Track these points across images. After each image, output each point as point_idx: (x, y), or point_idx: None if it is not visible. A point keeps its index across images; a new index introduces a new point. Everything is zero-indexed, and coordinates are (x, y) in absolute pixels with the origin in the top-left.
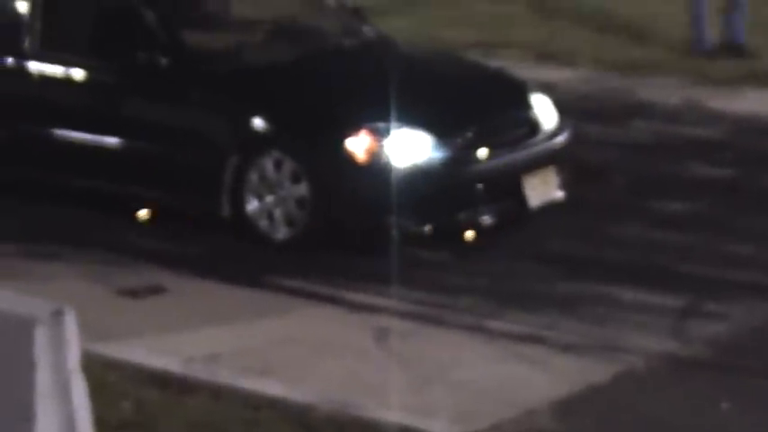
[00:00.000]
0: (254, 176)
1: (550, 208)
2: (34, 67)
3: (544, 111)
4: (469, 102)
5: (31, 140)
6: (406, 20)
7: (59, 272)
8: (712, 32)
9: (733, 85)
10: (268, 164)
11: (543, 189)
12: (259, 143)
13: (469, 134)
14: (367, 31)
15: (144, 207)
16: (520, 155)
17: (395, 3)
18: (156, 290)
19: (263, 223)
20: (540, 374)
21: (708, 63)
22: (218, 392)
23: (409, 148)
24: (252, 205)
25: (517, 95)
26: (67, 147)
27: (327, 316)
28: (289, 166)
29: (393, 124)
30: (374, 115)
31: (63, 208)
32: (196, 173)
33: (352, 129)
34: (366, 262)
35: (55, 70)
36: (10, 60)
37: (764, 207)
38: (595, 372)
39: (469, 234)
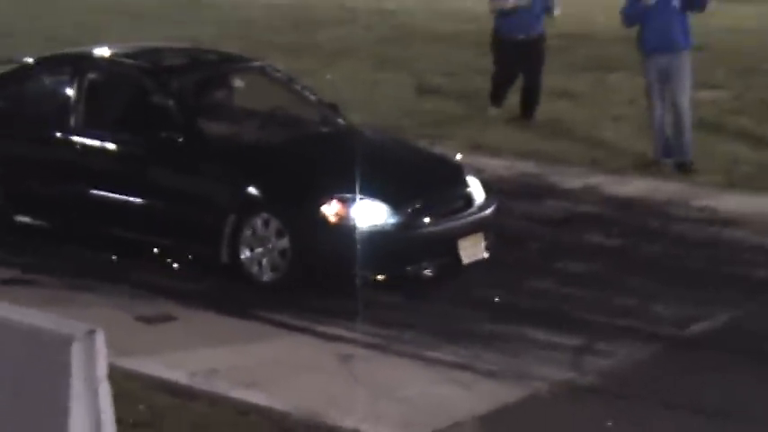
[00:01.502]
0: (247, 232)
1: (478, 265)
2: (77, 140)
3: (476, 189)
4: (418, 179)
5: (74, 198)
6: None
7: (92, 301)
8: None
9: (624, 174)
10: (258, 222)
11: (473, 250)
12: (252, 206)
13: (417, 205)
14: (340, 121)
15: (160, 253)
16: (456, 222)
17: (354, 99)
18: (167, 318)
19: (254, 268)
20: (467, 394)
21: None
22: (215, 400)
23: (369, 214)
24: (245, 254)
25: (455, 175)
26: (102, 204)
27: (303, 343)
28: (274, 224)
29: (357, 195)
30: (343, 187)
31: (97, 251)
32: (202, 227)
33: (326, 197)
34: (334, 301)
35: (93, 143)
36: (59, 134)
37: (645, 269)
38: (509, 394)
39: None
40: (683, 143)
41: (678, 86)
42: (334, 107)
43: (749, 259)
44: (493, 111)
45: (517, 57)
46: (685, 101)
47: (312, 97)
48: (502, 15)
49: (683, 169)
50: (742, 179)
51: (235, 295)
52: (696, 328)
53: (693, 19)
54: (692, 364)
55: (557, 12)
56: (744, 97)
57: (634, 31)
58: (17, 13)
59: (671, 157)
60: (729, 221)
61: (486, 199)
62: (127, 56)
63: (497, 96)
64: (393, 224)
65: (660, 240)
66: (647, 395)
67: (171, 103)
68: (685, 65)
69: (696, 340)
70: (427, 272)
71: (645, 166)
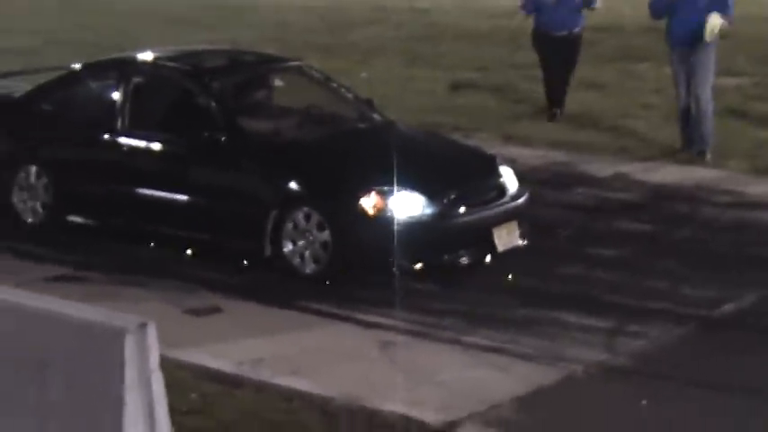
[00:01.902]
0: (289, 226)
1: (513, 252)
2: (124, 141)
3: (509, 178)
4: (452, 171)
5: (121, 197)
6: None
7: (141, 295)
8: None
9: (653, 162)
10: (300, 216)
11: (508, 238)
12: (293, 201)
13: (453, 195)
14: (375, 116)
15: (205, 248)
16: (490, 212)
17: (388, 96)
18: (214, 310)
19: (296, 261)
20: (503, 377)
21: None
22: (260, 387)
23: (407, 205)
24: (287, 247)
25: (489, 166)
26: (148, 202)
27: (344, 331)
28: (315, 218)
29: (395, 187)
30: (381, 180)
31: (145, 247)
32: (245, 223)
33: (364, 190)
34: (374, 291)
35: (139, 144)
36: (106, 136)
37: (674, 253)
38: (545, 376)
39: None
40: (703, 133)
41: (700, 78)
42: (369, 103)
43: None
44: (557, 113)
45: (557, 52)
46: (706, 92)
47: (348, 94)
48: (539, 11)
49: (701, 157)
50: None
51: (278, 287)
52: (725, 309)
53: None
54: (722, 345)
55: (598, 4)
56: (766, 83)
57: (662, 22)
58: (62, 21)
59: (692, 146)
60: (755, 205)
61: (519, 188)
62: (169, 59)
63: (554, 99)
64: (430, 214)
65: (688, 225)
66: (678, 375)
67: (212, 103)
68: (709, 58)
69: (725, 321)
70: (463, 260)
71: (672, 154)
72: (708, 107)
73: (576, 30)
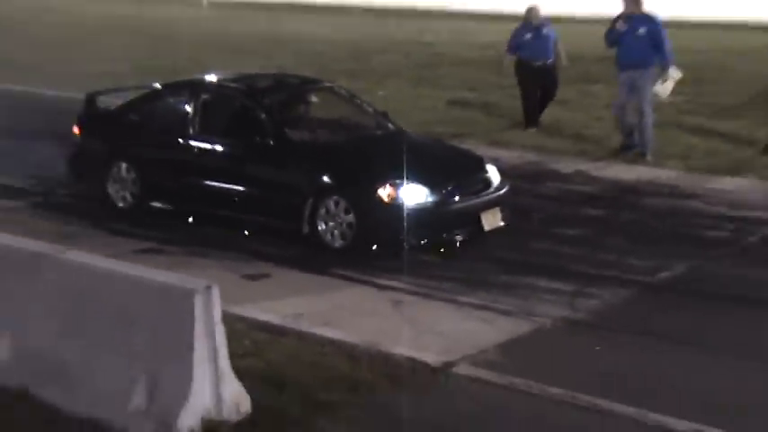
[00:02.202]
0: (322, 210)
1: (496, 232)
2: (194, 144)
3: (493, 174)
4: (449, 167)
5: (192, 188)
6: (409, 119)
7: (207, 264)
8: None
9: (606, 161)
10: (331, 203)
11: (492, 220)
12: (326, 191)
13: (450, 187)
14: (390, 126)
15: (258, 227)
16: (479, 200)
17: (402, 109)
18: (265, 275)
19: (328, 238)
20: (489, 328)
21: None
22: (300, 336)
23: (414, 194)
24: (321, 227)
25: (477, 164)
26: (213, 191)
27: (364, 292)
28: (343, 204)
29: (405, 180)
30: (394, 175)
31: (209, 227)
32: (289, 207)
33: (381, 182)
34: (388, 261)
35: (206, 146)
36: (180, 140)
37: (622, 232)
38: (521, 328)
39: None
40: (645, 139)
41: (643, 96)
42: (385, 115)
43: (702, 223)
44: (531, 130)
45: (535, 79)
46: (648, 107)
47: (368, 108)
48: (521, 47)
49: (643, 158)
50: (696, 164)
51: (313, 258)
52: (662, 276)
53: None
54: (661, 304)
55: (560, 45)
56: (695, 101)
57: (613, 51)
58: (143, 51)
59: (634, 149)
60: (687, 196)
61: (501, 181)
62: (229, 81)
63: (531, 116)
64: (432, 202)
65: (633, 210)
66: (626, 328)
67: (263, 115)
68: (649, 80)
69: (662, 285)
70: (458, 237)
71: (619, 155)
72: (648, 119)
73: (549, 61)
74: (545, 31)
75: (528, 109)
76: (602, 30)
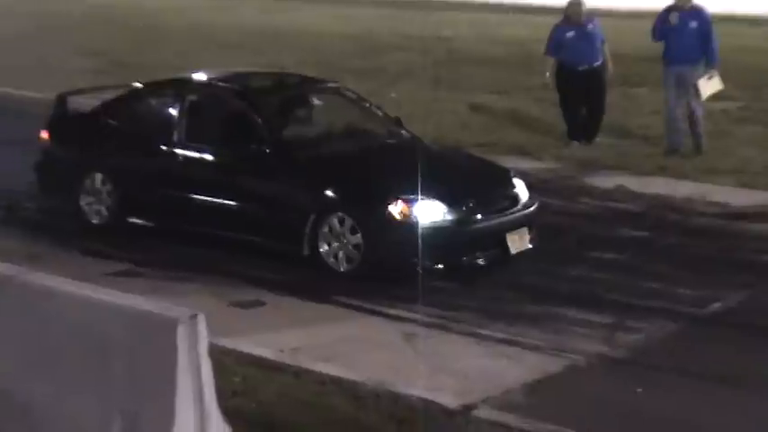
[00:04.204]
0: (325, 229)
1: (524, 255)
2: (179, 152)
3: (521, 189)
4: (471, 182)
5: (176, 202)
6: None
7: (192, 289)
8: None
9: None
10: (335, 221)
11: (519, 242)
12: (329, 206)
13: (471, 204)
14: (403, 133)
15: (251, 248)
16: (504, 218)
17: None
18: (258, 303)
19: (331, 260)
20: (514, 366)
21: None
22: (298, 373)
23: (429, 212)
24: (323, 248)
25: (503, 178)
26: (200, 207)
27: (373, 323)
28: (349, 222)
29: (419, 196)
30: (406, 189)
31: (195, 247)
32: (287, 225)
33: (392, 198)
34: (400, 287)
35: (193, 155)
36: (164, 147)
37: (668, 256)
38: (551, 365)
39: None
40: (699, 133)
41: (692, 92)
42: (397, 121)
43: (760, 247)
44: (575, 144)
45: (580, 86)
46: (699, 102)
47: (379, 113)
48: (561, 49)
49: (698, 152)
50: (753, 179)
51: (314, 283)
52: (714, 307)
53: None
54: (711, 339)
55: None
56: (751, 107)
57: (659, 48)
58: (122, 44)
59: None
60: (740, 215)
61: (530, 198)
62: (221, 80)
63: (575, 128)
64: (450, 221)
65: (682, 231)
66: (671, 366)
67: (259, 119)
68: (698, 75)
69: (714, 318)
70: (480, 261)
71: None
72: (699, 111)
73: (597, 64)
74: (590, 28)
75: (571, 119)
76: (642, 25)
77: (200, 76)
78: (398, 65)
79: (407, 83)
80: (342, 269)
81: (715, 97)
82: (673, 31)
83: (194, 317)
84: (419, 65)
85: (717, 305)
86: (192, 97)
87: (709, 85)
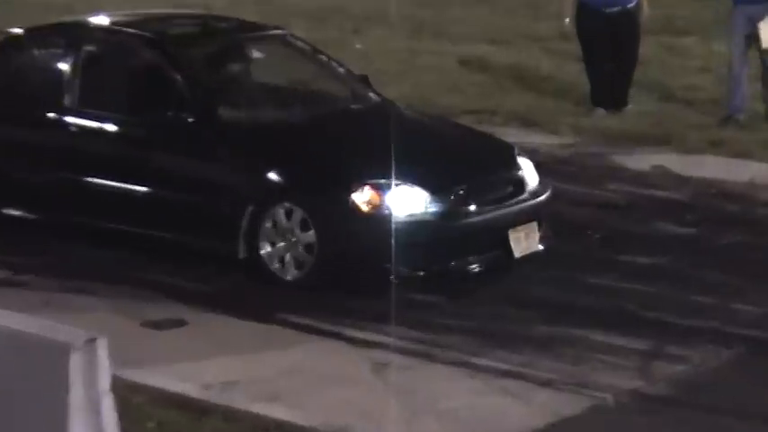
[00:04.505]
0: (267, 224)
1: (532, 259)
2: (72, 121)
3: (528, 172)
4: (462, 162)
5: (69, 188)
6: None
7: (91, 304)
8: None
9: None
10: (280, 213)
11: (526, 242)
12: (273, 195)
13: (461, 191)
14: (372, 96)
15: (168, 249)
16: (506, 210)
17: (390, 71)
18: (178, 323)
19: (275, 265)
20: (519, 407)
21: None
22: (231, 415)
23: (407, 202)
24: (265, 249)
25: (505, 157)
26: (101, 194)
27: (330, 350)
28: (299, 215)
29: (393, 181)
30: (377, 172)
31: (96, 248)
32: (216, 220)
33: (357, 184)
34: (366, 302)
35: (91, 124)
36: (51, 115)
37: (723, 261)
38: (569, 406)
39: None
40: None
41: None
42: (365, 80)
43: None
44: (600, 112)
45: (606, 33)
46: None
47: (340, 69)
48: None
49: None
50: None
51: (253, 296)
52: None
53: None
54: None
55: None
56: None
57: None
58: None
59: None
60: None
61: (541, 183)
62: (128, 25)
63: (600, 90)
64: (434, 213)
65: (741, 228)
66: (726, 406)
67: (179, 78)
68: None
69: None
70: (474, 267)
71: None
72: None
73: (630, 5)
74: None
75: (595, 78)
76: None
77: (100, 20)
78: (365, 5)
79: (378, 30)
80: (289, 277)
81: None
82: None
83: (92, 341)
84: (393, 5)
85: None
86: (90, 48)
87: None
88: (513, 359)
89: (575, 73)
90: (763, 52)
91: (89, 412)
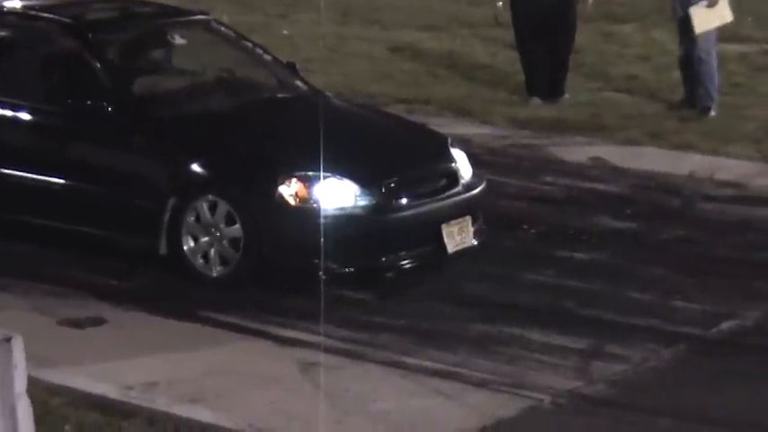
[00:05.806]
0: (190, 218)
1: (466, 254)
2: None
3: (462, 164)
4: (393, 153)
5: None
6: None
7: (6, 302)
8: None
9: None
10: (204, 206)
11: (460, 237)
12: (196, 187)
13: (393, 183)
14: (299, 84)
15: (86, 245)
16: (439, 204)
17: (318, 58)
18: (97, 321)
19: (199, 261)
20: (453, 408)
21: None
22: (153, 418)
23: (336, 195)
24: (188, 244)
25: (438, 148)
26: (17, 186)
27: (257, 349)
28: (223, 208)
29: (322, 173)
30: (304, 164)
31: (11, 243)
32: (137, 213)
33: (284, 176)
34: (294, 300)
35: (6, 114)
36: None
37: (664, 257)
38: (504, 407)
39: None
40: (707, 87)
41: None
42: (292, 67)
43: None
44: (536, 101)
45: (542, 20)
46: (705, 45)
47: (266, 56)
48: None
49: (706, 114)
50: None
51: (176, 293)
52: (724, 327)
53: None
54: (720, 371)
55: None
56: None
57: None
58: None
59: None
60: (761, 199)
61: (474, 176)
62: (45, 10)
63: (535, 78)
64: (364, 207)
65: (681, 223)
66: (666, 407)
67: (98, 65)
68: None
69: (724, 341)
70: (406, 263)
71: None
72: (710, 58)
73: None
74: None
75: (531, 67)
76: None
77: (11, 4)
78: None
79: (305, 15)
80: (214, 273)
81: (732, 38)
82: None
83: (7, 340)
84: None
85: (728, 324)
86: (4, 34)
87: (707, 16)
88: (446, 359)
89: (510, 61)
90: (693, 38)
91: (4, 416)
